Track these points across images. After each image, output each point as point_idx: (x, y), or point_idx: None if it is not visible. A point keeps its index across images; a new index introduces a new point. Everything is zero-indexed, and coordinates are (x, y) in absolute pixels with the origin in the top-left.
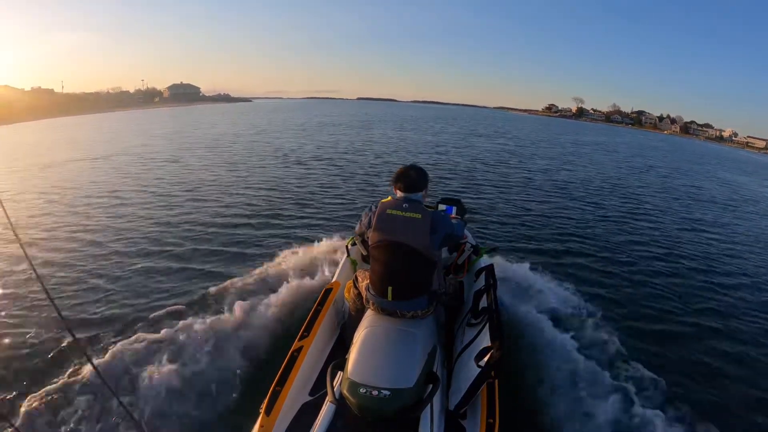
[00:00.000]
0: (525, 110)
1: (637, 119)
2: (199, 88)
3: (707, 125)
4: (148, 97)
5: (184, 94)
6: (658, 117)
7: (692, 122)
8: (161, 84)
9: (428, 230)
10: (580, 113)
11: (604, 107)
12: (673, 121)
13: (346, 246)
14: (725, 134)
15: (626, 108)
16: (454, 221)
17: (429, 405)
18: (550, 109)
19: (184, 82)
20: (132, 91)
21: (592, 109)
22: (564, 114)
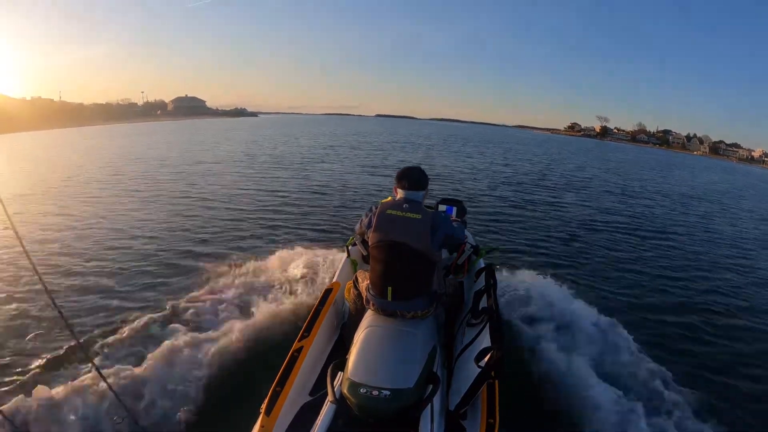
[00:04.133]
0: (546, 129)
1: (663, 139)
2: (204, 101)
3: (735, 145)
4: (148, 110)
5: (189, 107)
6: (685, 136)
7: (721, 142)
8: (172, 96)
9: (428, 231)
10: (605, 132)
11: (627, 126)
12: (700, 141)
13: (346, 246)
14: (755, 154)
15: (650, 126)
16: (454, 223)
17: (429, 405)
18: (573, 128)
19: (197, 96)
20: (140, 103)
21: (616, 128)
22: (587, 133)
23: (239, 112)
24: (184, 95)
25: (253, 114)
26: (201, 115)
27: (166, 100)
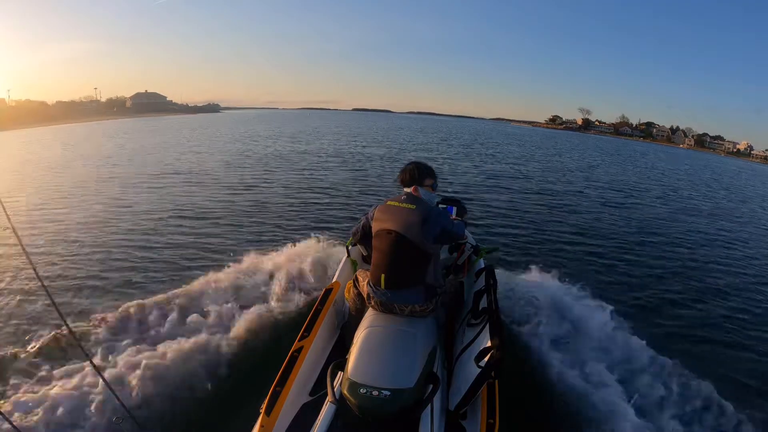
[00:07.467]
0: (527, 122)
1: (647, 132)
2: (165, 97)
3: (719, 137)
4: (111, 107)
5: (148, 104)
6: (670, 129)
7: (705, 134)
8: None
9: (419, 221)
10: (587, 125)
11: (609, 118)
12: (685, 133)
13: (346, 246)
14: (740, 147)
15: (632, 119)
16: (455, 221)
17: (429, 405)
18: (554, 120)
19: (159, 91)
20: (104, 100)
21: (598, 120)
22: (569, 126)
23: (212, 108)
24: (144, 91)
25: (216, 110)
26: (161, 112)
27: (128, 96)
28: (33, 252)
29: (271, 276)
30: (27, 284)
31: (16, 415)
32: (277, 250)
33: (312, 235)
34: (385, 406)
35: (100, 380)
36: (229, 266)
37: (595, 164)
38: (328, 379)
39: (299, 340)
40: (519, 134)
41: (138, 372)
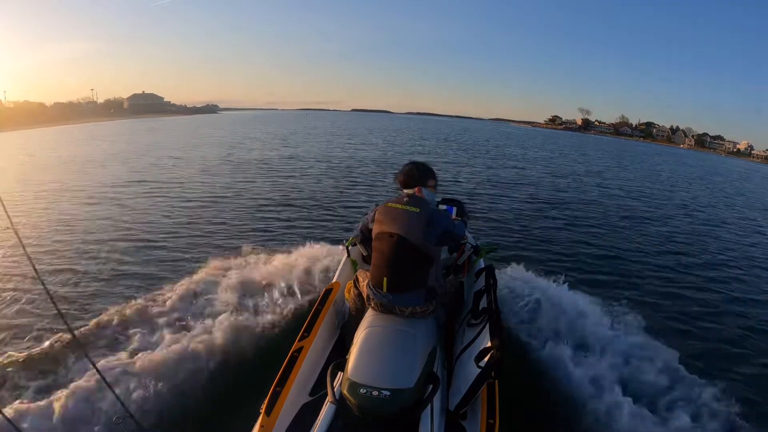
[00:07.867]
0: (526, 122)
1: (647, 132)
2: (162, 98)
3: (719, 137)
4: (101, 109)
5: (145, 105)
6: (670, 129)
7: (705, 134)
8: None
9: (423, 224)
10: (587, 125)
11: (609, 118)
12: (685, 133)
13: (346, 246)
14: (740, 147)
15: (633, 119)
16: (455, 221)
17: (429, 405)
18: (554, 121)
19: (156, 92)
20: (101, 101)
21: (598, 121)
22: (569, 126)
23: (210, 109)
24: (141, 92)
25: (214, 111)
26: (158, 113)
27: (125, 97)
28: (33, 252)
29: (272, 276)
30: (27, 284)
31: (17, 415)
32: (277, 251)
33: (312, 236)
34: (385, 406)
35: (101, 380)
36: (229, 267)
37: (598, 165)
38: (328, 380)
39: (299, 341)
40: (519, 135)
41: (138, 372)
